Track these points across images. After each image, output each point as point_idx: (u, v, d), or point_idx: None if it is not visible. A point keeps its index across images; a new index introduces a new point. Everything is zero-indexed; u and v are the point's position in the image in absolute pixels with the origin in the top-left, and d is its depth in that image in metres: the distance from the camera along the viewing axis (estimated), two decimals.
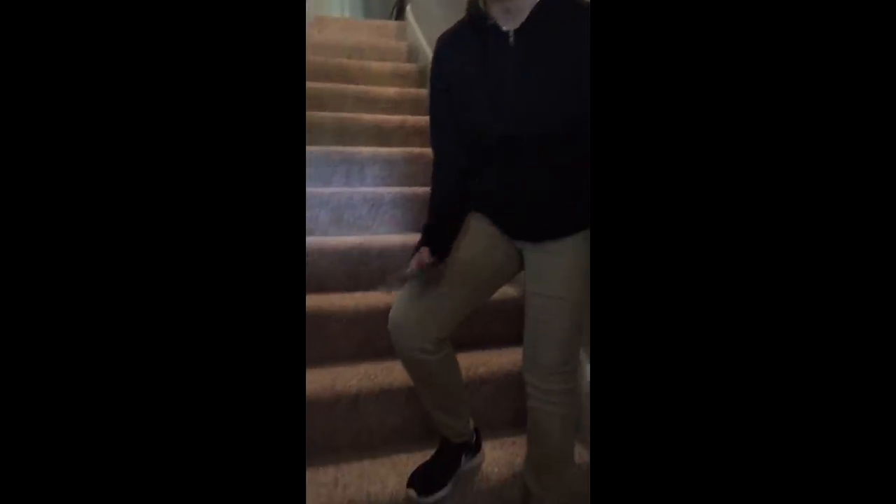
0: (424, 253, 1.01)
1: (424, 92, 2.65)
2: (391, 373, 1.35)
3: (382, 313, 1.50)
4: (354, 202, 1.87)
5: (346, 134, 2.23)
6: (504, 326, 1.58)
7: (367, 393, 1.30)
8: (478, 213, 1.06)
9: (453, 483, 1.15)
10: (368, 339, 1.50)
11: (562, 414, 1.06)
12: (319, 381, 1.29)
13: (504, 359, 1.43)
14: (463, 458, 1.19)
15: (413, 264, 1.01)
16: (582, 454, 1.26)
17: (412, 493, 1.11)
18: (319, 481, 1.14)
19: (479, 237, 1.05)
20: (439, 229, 1.04)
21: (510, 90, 0.94)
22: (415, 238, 1.76)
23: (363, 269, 1.69)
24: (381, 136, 2.30)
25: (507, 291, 1.58)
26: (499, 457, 1.24)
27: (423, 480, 1.13)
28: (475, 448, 1.22)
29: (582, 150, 0.90)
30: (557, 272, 1.01)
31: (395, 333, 1.02)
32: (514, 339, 1.44)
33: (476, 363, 1.40)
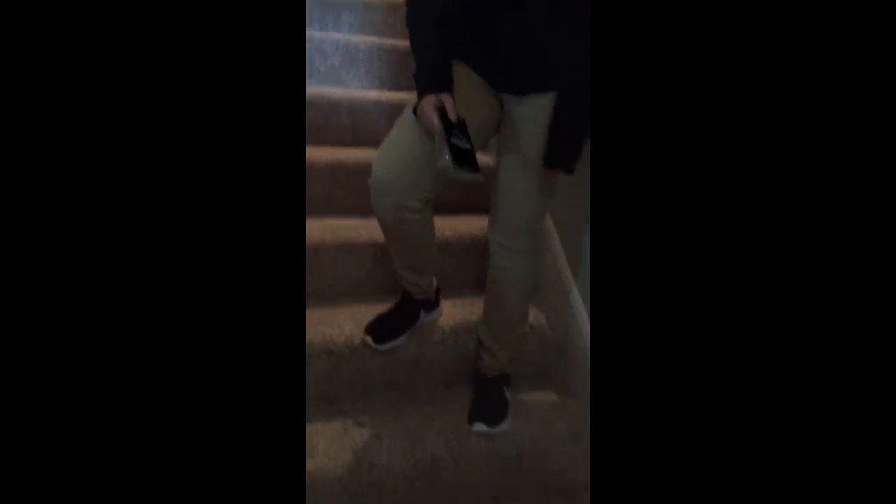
0: (447, 101, 0.86)
1: None
2: (355, 229, 1.32)
3: (350, 169, 1.45)
4: (326, 49, 1.71)
5: None
6: (471, 193, 1.55)
7: (329, 245, 1.28)
8: (459, 62, 0.96)
9: (408, 335, 1.19)
10: (333, 193, 1.45)
11: (523, 272, 1.07)
12: None
13: (471, 224, 1.41)
14: (422, 313, 1.21)
15: (427, 115, 0.85)
16: (537, 316, 1.29)
17: (368, 339, 1.14)
18: None
19: (465, 92, 0.94)
20: (443, 67, 0.90)
21: None
22: (392, 96, 1.67)
23: (332, 123, 1.59)
24: None
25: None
26: (457, 314, 1.26)
27: (380, 329, 1.15)
28: (434, 304, 1.24)
29: None
30: (536, 129, 0.95)
31: (381, 190, 0.95)
32: (481, 207, 1.41)
33: (443, 227, 1.38)
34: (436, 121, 0.84)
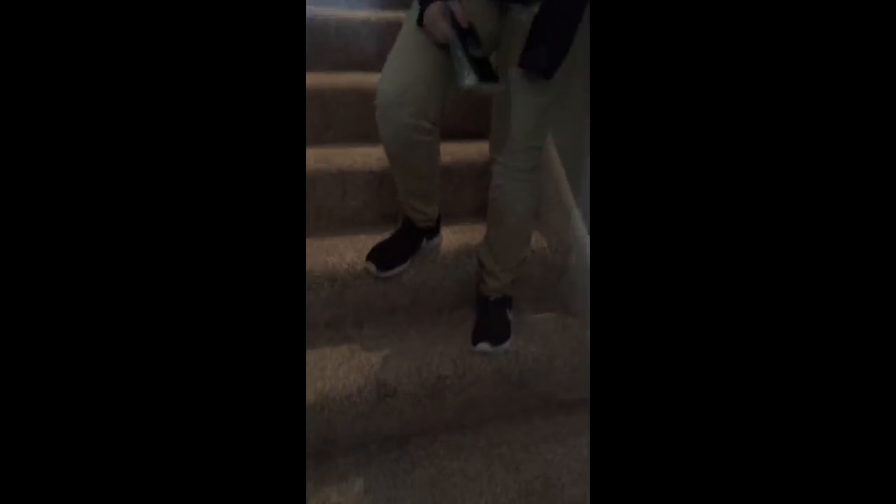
0: (456, 8, 0.81)
1: None
2: (350, 156, 1.29)
3: (343, 94, 1.40)
4: None
5: None
6: (470, 120, 1.50)
7: (324, 174, 1.25)
8: None
9: (410, 262, 1.19)
10: (326, 120, 1.40)
11: (526, 191, 1.05)
12: None
13: (470, 150, 1.38)
14: (424, 240, 1.20)
15: (442, 28, 0.80)
16: (539, 239, 1.29)
17: (371, 266, 1.14)
18: None
19: (471, 5, 0.88)
20: None
21: None
22: (383, 16, 1.58)
23: (322, 46, 1.51)
24: None
25: None
26: (458, 240, 1.26)
27: (382, 256, 1.15)
28: (435, 231, 1.24)
29: None
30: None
31: (389, 110, 0.90)
32: (480, 132, 1.37)
33: (443, 152, 1.35)
34: (449, 31, 0.79)
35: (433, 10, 0.81)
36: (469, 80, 0.76)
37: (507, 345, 1.13)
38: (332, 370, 1.05)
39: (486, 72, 0.77)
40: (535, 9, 0.88)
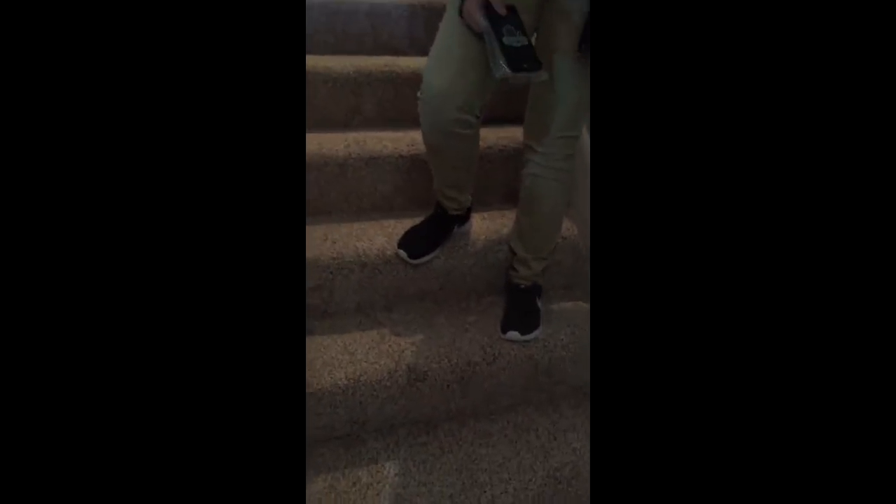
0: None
1: None
2: (380, 141, 1.29)
3: (373, 77, 1.39)
4: None
5: None
6: (501, 105, 1.48)
7: (355, 158, 1.25)
8: None
9: (441, 249, 1.18)
10: (356, 105, 1.40)
11: (559, 179, 1.04)
12: (306, 144, 1.23)
13: (501, 134, 1.36)
14: (455, 227, 1.20)
15: (485, 16, 0.77)
16: (569, 227, 1.28)
17: (403, 253, 1.14)
18: (310, 237, 1.16)
19: None
20: None
21: None
22: None
23: (351, 29, 1.50)
24: None
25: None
26: (488, 227, 1.25)
27: (413, 243, 1.15)
28: (465, 217, 1.23)
29: None
30: (577, 26, 0.87)
31: (436, 105, 0.89)
32: (511, 118, 1.35)
33: None
34: (483, 22, 0.77)
35: (469, 2, 0.79)
36: (500, 71, 0.75)
37: (536, 333, 1.13)
38: (363, 354, 1.06)
39: (525, 60, 0.75)
40: None
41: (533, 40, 0.94)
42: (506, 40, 0.76)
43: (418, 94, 0.90)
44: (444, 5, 0.92)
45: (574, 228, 1.28)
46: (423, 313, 1.18)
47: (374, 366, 1.04)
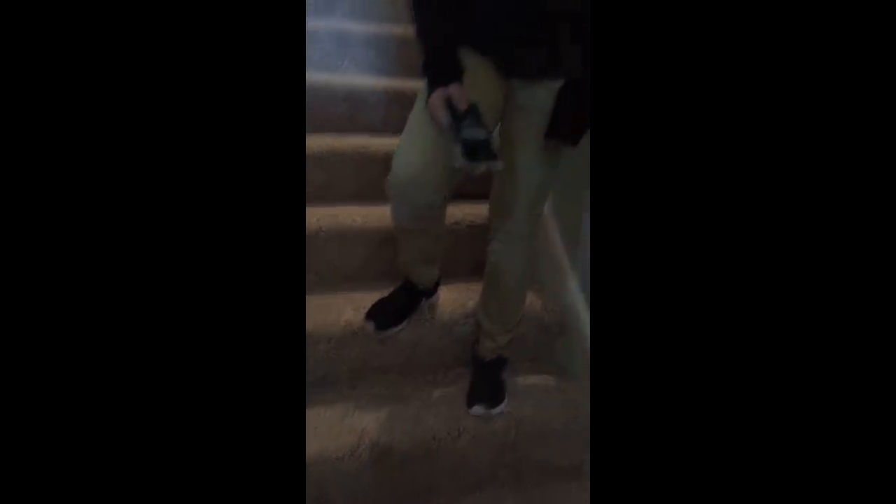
0: (455, 91, 0.85)
1: None
2: (351, 215, 1.33)
3: (345, 157, 1.46)
4: (321, 37, 1.70)
5: None
6: (468, 181, 1.55)
7: (326, 232, 1.29)
8: (467, 48, 0.94)
9: (408, 321, 1.20)
10: (331, 182, 1.45)
11: (523, 256, 1.08)
12: None
13: (465, 210, 1.43)
14: (423, 300, 1.22)
15: (440, 112, 0.85)
16: (534, 300, 1.31)
17: (369, 325, 1.15)
18: None
19: (476, 79, 0.93)
20: (450, 53, 0.88)
21: None
22: (389, 84, 1.67)
23: (329, 111, 1.59)
24: None
25: None
26: (455, 299, 1.28)
27: (381, 315, 1.17)
28: (432, 291, 1.26)
29: None
30: (544, 117, 0.95)
31: (405, 194, 0.92)
32: (477, 193, 1.42)
33: None
34: (445, 117, 0.84)
35: (433, 99, 0.86)
36: (458, 161, 0.81)
37: (501, 407, 1.13)
38: (326, 429, 1.04)
39: (482, 152, 0.82)
40: (539, 86, 0.94)
41: (497, 130, 1.02)
42: (465, 133, 0.82)
43: (388, 178, 0.95)
44: (416, 93, 1.00)
45: (538, 302, 1.32)
46: (389, 387, 1.18)
47: (337, 442, 1.02)
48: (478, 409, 1.11)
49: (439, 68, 0.87)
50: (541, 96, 0.95)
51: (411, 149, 0.92)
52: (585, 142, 0.99)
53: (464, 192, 1.53)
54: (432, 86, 0.87)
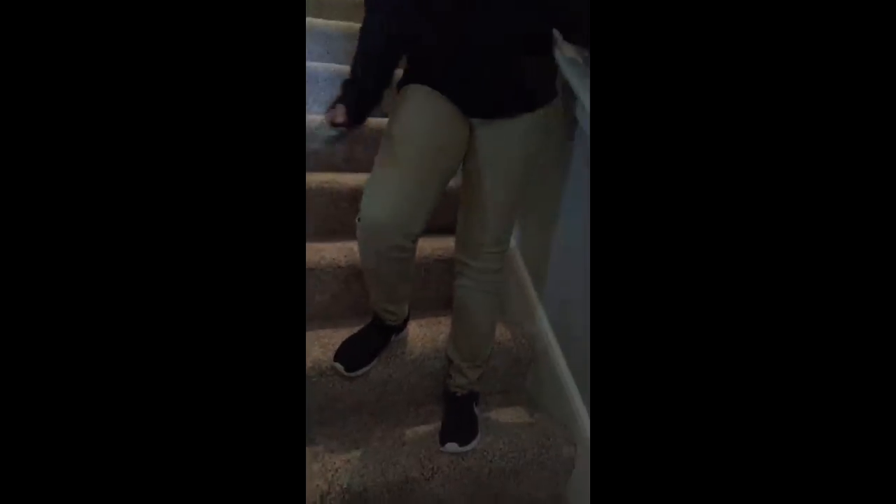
0: (339, 111, 0.93)
1: None
2: (319, 252, 1.32)
3: (311, 193, 1.45)
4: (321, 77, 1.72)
5: None
6: (437, 215, 1.57)
7: None
8: (424, 86, 0.97)
9: (378, 360, 1.18)
10: None
11: (487, 291, 1.09)
12: None
13: (434, 244, 1.44)
14: (392, 337, 1.21)
15: (325, 120, 0.94)
16: (503, 333, 1.32)
17: (339, 366, 1.13)
18: None
19: (436, 117, 0.96)
20: (360, 88, 0.95)
21: None
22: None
23: None
24: (318, 6, 2.09)
25: None
26: (425, 334, 1.27)
27: (350, 355, 1.15)
28: (402, 327, 1.25)
29: (543, 8, 0.85)
30: (503, 155, 0.98)
31: (376, 234, 0.92)
32: (447, 228, 1.44)
33: None
34: (319, 123, 0.95)
35: (330, 115, 0.96)
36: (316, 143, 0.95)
37: (475, 443, 1.12)
38: None
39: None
40: (498, 125, 0.97)
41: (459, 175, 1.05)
42: (320, 130, 0.95)
43: (357, 218, 0.95)
44: (380, 132, 1.02)
45: (508, 333, 1.33)
46: (360, 427, 1.15)
47: (308, 487, 0.98)
48: (451, 447, 1.09)
49: (349, 94, 0.95)
50: (500, 134, 0.98)
51: (381, 191, 0.92)
52: (545, 180, 1.02)
53: (433, 226, 1.55)
54: (337, 101, 0.95)
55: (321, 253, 1.32)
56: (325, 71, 1.77)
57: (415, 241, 0.98)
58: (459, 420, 1.14)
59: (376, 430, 1.14)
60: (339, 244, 1.36)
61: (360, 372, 1.15)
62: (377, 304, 1.13)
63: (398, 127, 0.96)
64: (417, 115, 0.96)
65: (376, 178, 0.94)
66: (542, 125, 1.01)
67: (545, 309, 1.33)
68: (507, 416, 1.24)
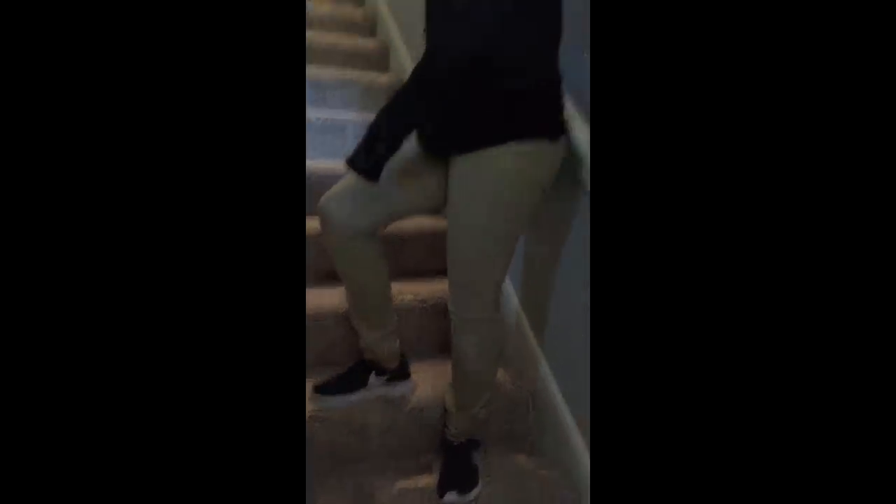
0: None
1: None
2: (319, 297, 1.33)
3: (308, 239, 1.46)
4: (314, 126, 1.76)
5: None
6: (432, 258, 1.58)
7: None
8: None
9: (356, 394, 1.20)
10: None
11: (483, 338, 1.07)
12: None
13: (432, 287, 1.44)
14: (372, 376, 1.21)
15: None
16: (503, 378, 1.31)
17: (312, 389, 1.18)
18: None
19: (411, 157, 1.02)
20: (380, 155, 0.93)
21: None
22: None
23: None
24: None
25: (436, 224, 1.57)
26: (421, 381, 1.27)
27: (326, 383, 1.19)
28: (402, 375, 1.24)
29: (500, 69, 0.88)
30: (472, 192, 0.95)
31: (327, 215, 1.01)
32: (441, 270, 1.45)
33: (404, 291, 1.40)
34: None
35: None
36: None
37: (475, 493, 1.10)
38: None
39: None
40: (463, 160, 0.94)
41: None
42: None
43: (318, 205, 1.02)
44: None
45: (508, 379, 1.32)
46: (358, 479, 1.13)
47: None
48: (450, 497, 1.07)
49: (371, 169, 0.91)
50: (467, 170, 0.94)
51: (336, 188, 1.03)
52: (545, 227, 1.02)
53: (429, 269, 1.55)
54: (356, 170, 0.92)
55: (322, 298, 1.32)
56: (315, 119, 1.81)
57: (373, 231, 1.04)
58: (459, 469, 1.13)
59: (375, 483, 1.13)
60: (333, 290, 1.37)
61: (333, 401, 1.17)
62: (361, 331, 1.16)
63: None
64: None
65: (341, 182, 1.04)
66: (521, 158, 0.92)
67: (546, 353, 1.32)
68: (507, 462, 1.23)
